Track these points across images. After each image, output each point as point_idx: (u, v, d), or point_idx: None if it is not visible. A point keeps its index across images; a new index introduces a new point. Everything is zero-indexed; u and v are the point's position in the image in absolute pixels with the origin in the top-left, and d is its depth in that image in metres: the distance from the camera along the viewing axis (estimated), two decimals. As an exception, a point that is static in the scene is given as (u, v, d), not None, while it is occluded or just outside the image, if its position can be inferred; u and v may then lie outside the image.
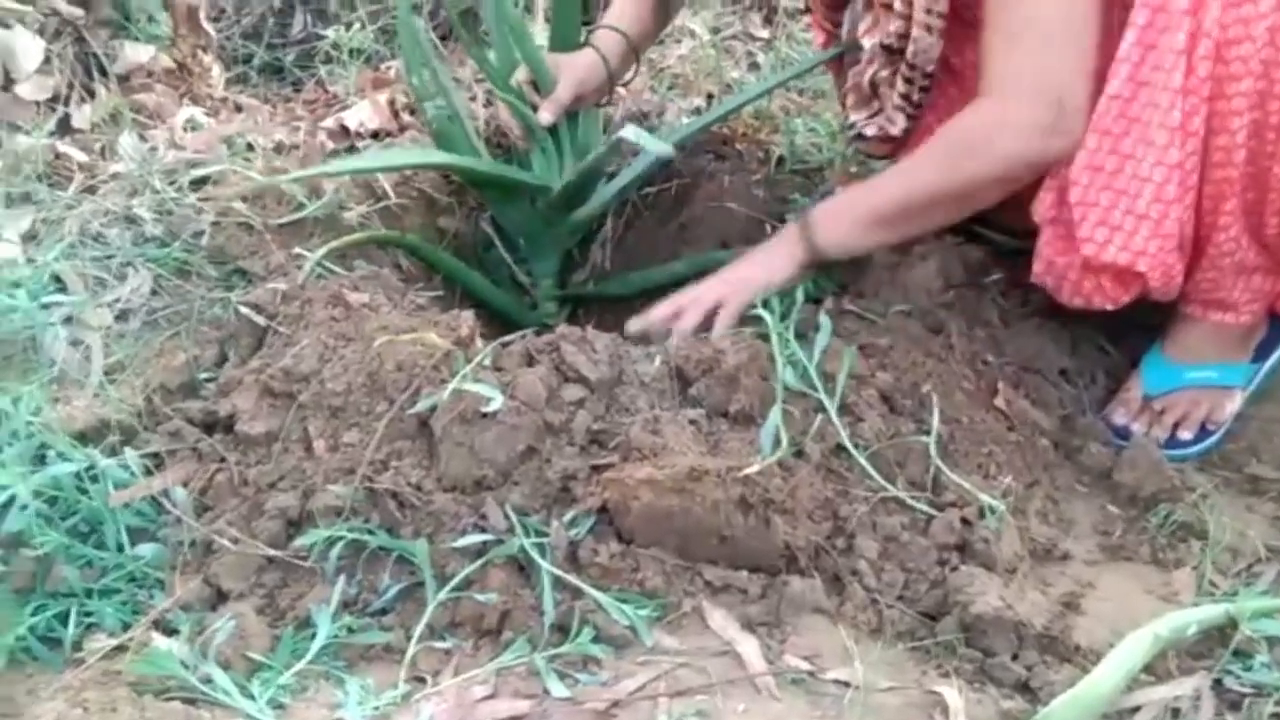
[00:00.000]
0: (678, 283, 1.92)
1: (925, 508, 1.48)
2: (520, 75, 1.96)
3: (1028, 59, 1.58)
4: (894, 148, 1.93)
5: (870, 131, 1.91)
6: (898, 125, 1.87)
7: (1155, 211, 1.56)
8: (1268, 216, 1.58)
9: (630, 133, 1.70)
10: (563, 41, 2.03)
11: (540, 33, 2.39)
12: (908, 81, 1.81)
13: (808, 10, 2.11)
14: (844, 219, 1.71)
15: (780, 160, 2.28)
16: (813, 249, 1.70)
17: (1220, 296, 1.69)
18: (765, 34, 2.93)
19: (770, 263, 1.72)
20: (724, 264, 1.79)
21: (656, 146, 1.69)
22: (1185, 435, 1.75)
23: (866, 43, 1.88)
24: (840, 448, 1.50)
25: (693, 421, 1.49)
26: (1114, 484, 1.65)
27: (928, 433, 1.54)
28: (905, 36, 1.79)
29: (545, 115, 1.94)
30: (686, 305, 1.70)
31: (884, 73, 1.87)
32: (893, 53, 1.84)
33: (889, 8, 1.80)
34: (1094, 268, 1.63)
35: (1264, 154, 1.52)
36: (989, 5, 1.61)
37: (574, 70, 1.96)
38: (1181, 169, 1.54)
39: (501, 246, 2.14)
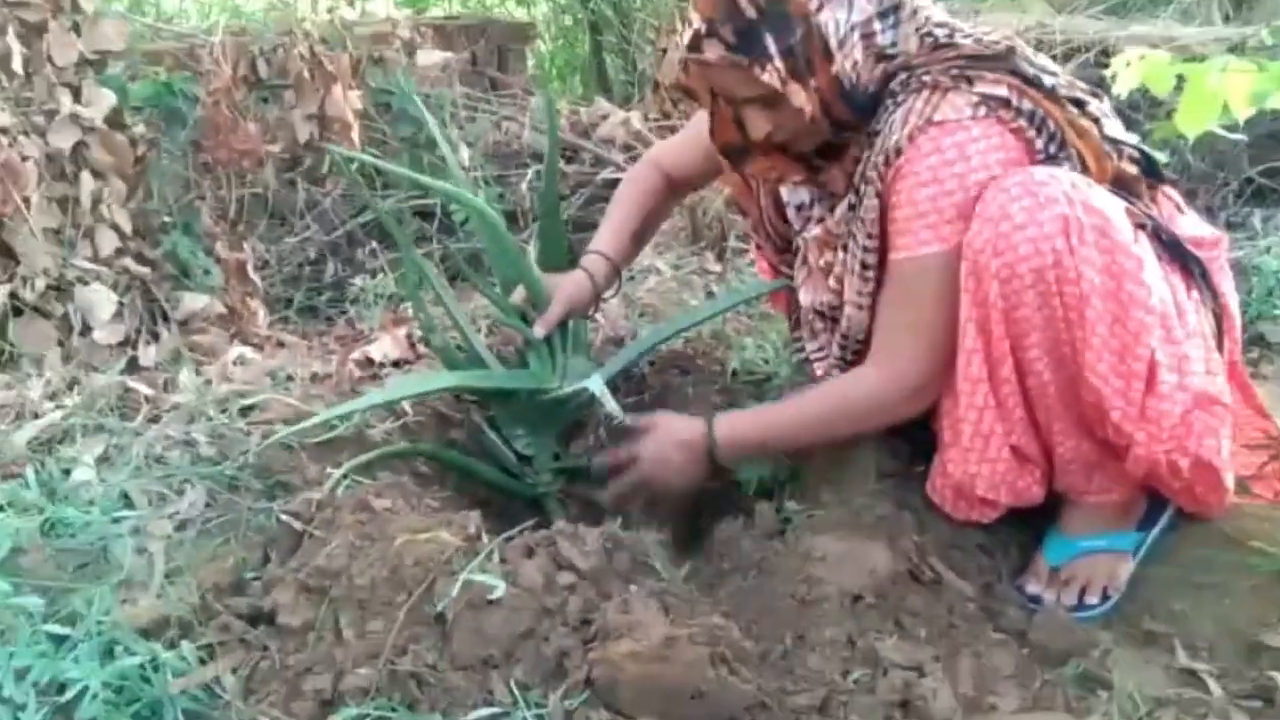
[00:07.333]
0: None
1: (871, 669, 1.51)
2: (518, 295, 2.03)
3: (911, 346, 1.71)
4: None
5: (819, 370, 2.00)
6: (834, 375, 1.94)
7: (978, 444, 1.70)
8: (1094, 423, 1.65)
9: (593, 385, 1.78)
10: (549, 259, 2.14)
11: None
12: (842, 347, 1.89)
13: (759, 247, 2.21)
14: (744, 443, 1.85)
15: (734, 373, 2.34)
16: (714, 461, 1.85)
17: (1084, 488, 1.75)
18: (718, 268, 3.03)
19: (686, 473, 1.85)
20: None
21: (613, 407, 1.77)
22: (1091, 600, 1.76)
23: (804, 298, 1.98)
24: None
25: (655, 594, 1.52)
26: (1030, 642, 1.65)
27: (869, 604, 1.58)
28: (837, 307, 1.88)
29: (539, 330, 1.99)
30: (628, 488, 1.87)
31: (820, 327, 1.97)
32: (824, 317, 1.94)
33: (826, 273, 1.89)
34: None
35: (1070, 378, 1.62)
36: (888, 299, 1.75)
37: (565, 290, 2.02)
38: (1000, 408, 1.66)
39: (499, 439, 2.15)
